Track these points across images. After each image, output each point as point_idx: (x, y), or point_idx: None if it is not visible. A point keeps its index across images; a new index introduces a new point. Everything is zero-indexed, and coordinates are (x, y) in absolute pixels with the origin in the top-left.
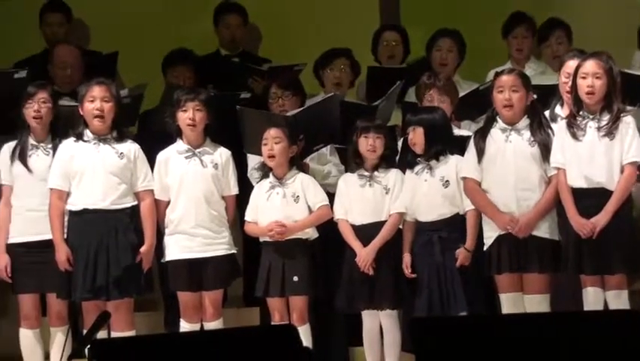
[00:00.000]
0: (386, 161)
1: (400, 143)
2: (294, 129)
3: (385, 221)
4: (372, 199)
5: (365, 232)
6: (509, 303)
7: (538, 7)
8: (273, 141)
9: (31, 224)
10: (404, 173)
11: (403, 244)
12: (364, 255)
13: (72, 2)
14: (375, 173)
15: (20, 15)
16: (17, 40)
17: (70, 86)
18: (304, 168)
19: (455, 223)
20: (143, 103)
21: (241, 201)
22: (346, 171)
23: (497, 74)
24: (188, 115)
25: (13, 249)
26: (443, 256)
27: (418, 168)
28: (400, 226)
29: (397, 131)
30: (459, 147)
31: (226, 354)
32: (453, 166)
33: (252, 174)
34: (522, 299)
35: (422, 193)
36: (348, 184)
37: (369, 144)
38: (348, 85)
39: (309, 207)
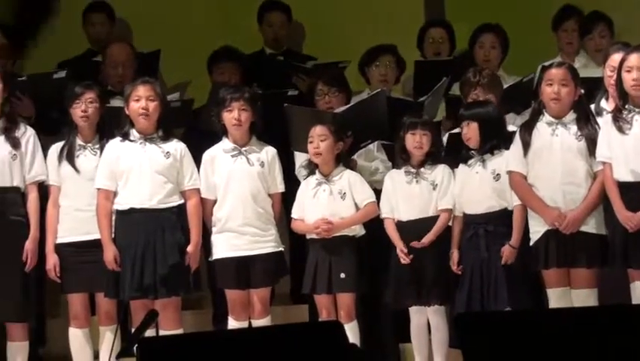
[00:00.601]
0: (432, 157)
1: (445, 138)
2: (340, 126)
3: (432, 217)
4: (419, 195)
5: (412, 228)
6: (557, 298)
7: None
8: (319, 138)
9: (80, 224)
10: (450, 168)
11: (452, 239)
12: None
13: (115, 2)
14: (422, 169)
15: (63, 15)
16: (60, 41)
17: (122, 85)
18: (352, 165)
19: (503, 218)
20: None
21: (287, 198)
22: (393, 168)
23: (546, 67)
24: (234, 115)
25: (61, 249)
26: (488, 252)
27: (470, 161)
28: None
29: (443, 126)
30: (509, 141)
31: (272, 351)
32: (504, 160)
33: (300, 172)
34: (570, 294)
35: (472, 186)
36: (395, 181)
37: (416, 141)
38: (393, 81)
39: (355, 204)
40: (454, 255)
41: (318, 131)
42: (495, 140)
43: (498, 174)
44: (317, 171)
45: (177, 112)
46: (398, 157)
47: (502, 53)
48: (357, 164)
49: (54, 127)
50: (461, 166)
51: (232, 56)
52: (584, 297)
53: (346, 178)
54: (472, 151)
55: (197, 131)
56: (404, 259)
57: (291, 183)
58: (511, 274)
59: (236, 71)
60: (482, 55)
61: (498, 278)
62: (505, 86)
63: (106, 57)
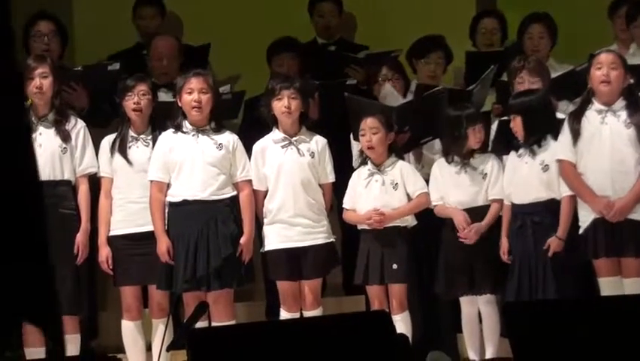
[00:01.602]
0: (483, 146)
1: (494, 126)
2: (390, 117)
3: (481, 206)
4: (469, 185)
5: None
6: (608, 287)
7: None
8: (371, 131)
9: (133, 216)
10: (500, 156)
11: (502, 228)
12: (475, 229)
13: None
14: (471, 159)
15: (114, 8)
16: (111, 34)
17: (167, 78)
18: (420, 158)
19: (550, 208)
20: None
21: (338, 188)
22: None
23: (595, 54)
24: (284, 103)
25: (114, 241)
26: (535, 242)
27: (521, 150)
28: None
29: (493, 112)
30: (556, 129)
31: (319, 341)
32: (553, 150)
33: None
34: (621, 283)
35: (521, 175)
36: (444, 170)
37: (476, 139)
38: (442, 75)
39: (407, 194)
40: (504, 244)
41: (369, 123)
42: (540, 132)
43: (546, 165)
44: (369, 161)
45: (228, 104)
46: (449, 149)
47: (550, 42)
48: (423, 154)
49: (105, 119)
50: (512, 154)
51: (291, 47)
52: (636, 286)
53: (398, 169)
54: (521, 142)
55: (253, 120)
56: (464, 239)
57: (346, 173)
58: (559, 264)
59: (293, 61)
60: (531, 45)
61: (546, 269)
62: (555, 74)
63: (150, 50)
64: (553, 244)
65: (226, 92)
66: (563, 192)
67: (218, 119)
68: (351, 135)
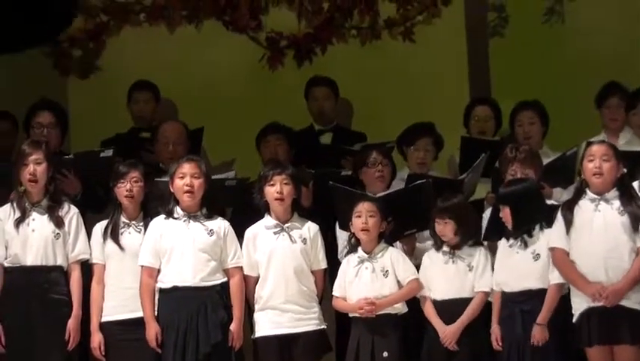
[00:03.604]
0: (472, 237)
1: (486, 214)
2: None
3: (467, 298)
4: (455, 275)
5: (447, 308)
6: None
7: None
8: (368, 214)
9: (125, 302)
10: (494, 242)
11: (492, 315)
12: (449, 334)
13: (159, 81)
14: (459, 251)
15: (107, 93)
16: (107, 119)
17: (173, 163)
18: (411, 249)
19: (541, 298)
20: None
21: (332, 274)
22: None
23: (587, 145)
24: (276, 188)
25: (106, 327)
26: (524, 331)
27: (512, 240)
28: (490, 299)
29: (487, 201)
30: (550, 216)
31: None
32: (545, 240)
33: (343, 255)
34: None
35: (512, 264)
36: (432, 260)
37: (439, 229)
38: (431, 163)
39: (398, 281)
40: (496, 331)
41: (366, 207)
42: (529, 222)
43: (538, 254)
44: (359, 249)
45: (233, 191)
46: (434, 240)
47: (542, 128)
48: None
49: (100, 205)
50: (503, 242)
51: (277, 130)
52: None
53: (389, 255)
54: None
55: (246, 207)
56: (445, 342)
57: (336, 259)
58: (550, 353)
59: (282, 143)
60: (522, 133)
61: (535, 358)
62: (546, 160)
63: (158, 135)
64: (537, 332)
65: (230, 179)
66: (551, 279)
67: (210, 205)
68: (337, 224)
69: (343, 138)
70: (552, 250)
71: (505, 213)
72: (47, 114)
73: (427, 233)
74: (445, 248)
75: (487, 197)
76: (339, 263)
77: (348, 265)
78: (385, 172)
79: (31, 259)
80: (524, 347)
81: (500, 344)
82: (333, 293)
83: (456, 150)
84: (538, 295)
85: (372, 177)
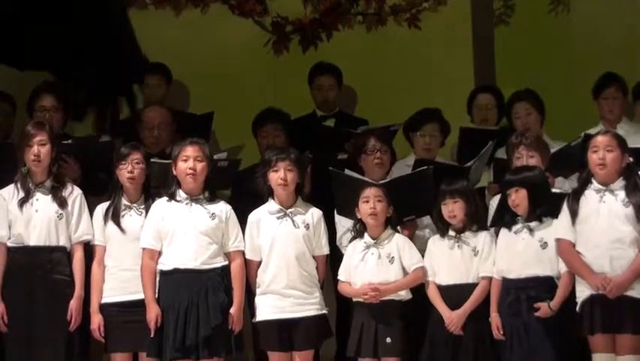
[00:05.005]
0: (476, 222)
1: (491, 202)
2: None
3: (471, 283)
4: (460, 260)
5: (451, 293)
6: None
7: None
8: (375, 199)
9: (124, 284)
10: (500, 230)
11: (491, 304)
12: (455, 319)
13: (173, 64)
14: (464, 234)
15: None
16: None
17: (158, 147)
18: (411, 236)
19: (547, 285)
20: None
21: (334, 259)
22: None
23: (591, 135)
24: (280, 175)
25: (106, 308)
26: (530, 316)
27: (516, 227)
28: None
29: (488, 190)
30: (556, 205)
31: None
32: (553, 229)
33: (342, 242)
34: (615, 360)
35: (517, 251)
36: (437, 245)
37: (448, 210)
38: (438, 149)
39: (403, 268)
40: (496, 319)
41: (374, 192)
42: (544, 207)
43: (545, 243)
44: (365, 234)
45: (224, 172)
46: (437, 224)
47: (539, 117)
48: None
49: (100, 188)
50: (504, 231)
51: (275, 118)
52: None
53: (395, 242)
54: (518, 217)
55: (244, 192)
56: (451, 327)
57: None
58: (555, 340)
59: (279, 132)
60: (520, 124)
61: (542, 343)
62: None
63: (142, 120)
64: (543, 309)
65: (222, 159)
66: (562, 268)
67: (212, 188)
68: (335, 210)
69: (345, 124)
70: (557, 241)
71: (520, 196)
72: (50, 98)
73: (425, 221)
74: (451, 233)
75: (489, 186)
76: (337, 248)
77: (354, 250)
78: (384, 159)
79: (34, 239)
80: (530, 333)
81: (501, 332)
82: (338, 277)
83: (456, 141)
84: (544, 282)
85: (370, 164)
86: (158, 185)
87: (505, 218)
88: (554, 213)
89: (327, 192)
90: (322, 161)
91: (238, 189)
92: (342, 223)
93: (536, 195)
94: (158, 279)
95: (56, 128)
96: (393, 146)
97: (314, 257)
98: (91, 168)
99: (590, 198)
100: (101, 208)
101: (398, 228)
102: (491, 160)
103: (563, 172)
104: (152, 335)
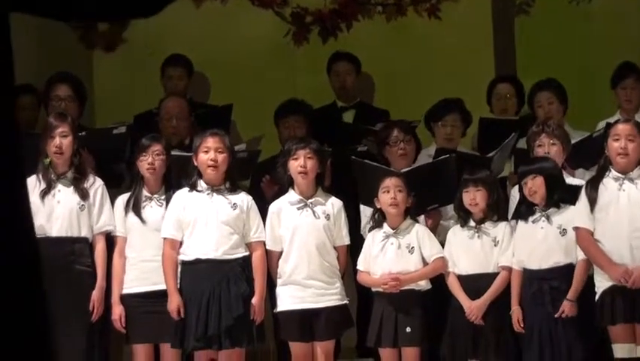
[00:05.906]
0: (496, 212)
1: (512, 192)
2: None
3: (491, 273)
4: (480, 250)
5: (471, 283)
6: (623, 354)
7: None
8: (396, 189)
9: (146, 274)
10: (517, 224)
11: (512, 296)
12: (475, 309)
13: (193, 55)
14: (484, 225)
15: (132, 68)
16: (129, 93)
17: (177, 138)
18: (435, 226)
19: (568, 274)
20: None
21: (354, 250)
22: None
23: (612, 124)
24: (300, 162)
25: (127, 299)
26: (554, 308)
27: (533, 217)
28: None
29: (509, 181)
30: (573, 195)
31: None
32: (571, 215)
33: (366, 231)
34: (636, 350)
35: (537, 241)
36: (457, 235)
37: (470, 198)
38: (459, 139)
39: (423, 258)
40: (517, 312)
41: (394, 182)
42: (561, 193)
43: (564, 230)
44: (385, 224)
45: (243, 163)
46: (458, 214)
47: (562, 107)
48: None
49: (115, 180)
50: (521, 223)
51: (298, 110)
52: None
53: (415, 232)
54: (535, 207)
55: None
56: (471, 317)
57: (358, 235)
58: (579, 329)
59: (301, 124)
60: (542, 113)
61: (567, 334)
62: (572, 140)
63: (160, 111)
64: (566, 308)
65: (242, 150)
66: (579, 255)
67: (233, 179)
68: (359, 200)
69: (366, 115)
70: (576, 229)
71: (537, 183)
72: (65, 87)
73: (450, 212)
74: (471, 223)
75: (510, 176)
76: (359, 239)
77: (374, 240)
78: (408, 149)
79: (56, 231)
80: (556, 323)
81: (522, 325)
82: (358, 267)
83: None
84: (566, 270)
85: (395, 155)
86: (178, 177)
87: (522, 209)
88: (572, 200)
89: (348, 184)
90: (342, 154)
91: (257, 180)
92: (367, 213)
93: (553, 182)
94: (179, 269)
95: (72, 118)
96: None
97: (335, 248)
98: (105, 160)
99: (609, 186)
100: (122, 200)
101: (423, 217)
102: (512, 151)
103: (584, 164)
104: (177, 325)
